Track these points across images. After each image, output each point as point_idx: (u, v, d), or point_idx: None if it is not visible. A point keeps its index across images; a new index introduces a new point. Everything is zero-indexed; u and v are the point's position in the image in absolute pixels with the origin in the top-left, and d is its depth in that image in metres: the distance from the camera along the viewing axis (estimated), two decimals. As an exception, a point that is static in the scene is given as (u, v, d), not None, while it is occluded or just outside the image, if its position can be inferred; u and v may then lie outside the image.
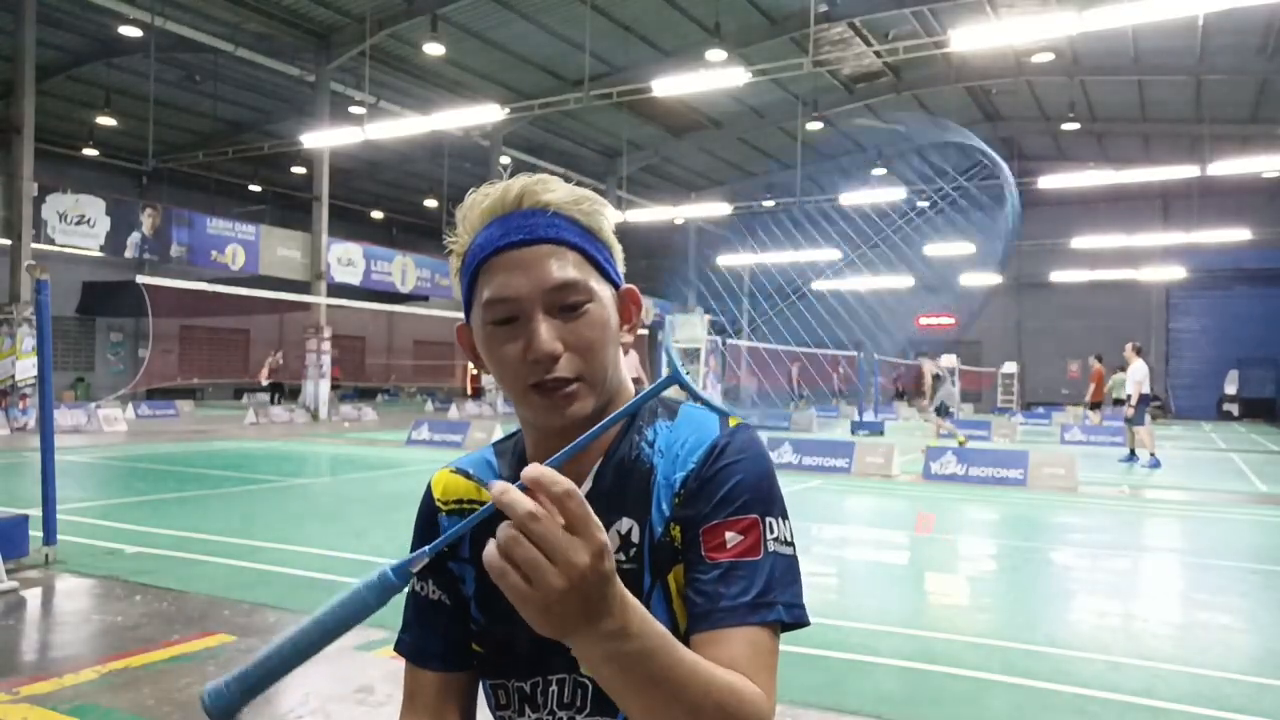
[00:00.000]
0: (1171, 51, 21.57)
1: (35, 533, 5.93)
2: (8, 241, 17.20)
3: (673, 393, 0.84)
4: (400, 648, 1.06)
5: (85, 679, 3.83)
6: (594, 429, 0.78)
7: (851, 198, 27.81)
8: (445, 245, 0.99)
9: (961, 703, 3.80)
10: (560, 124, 27.21)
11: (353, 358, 33.94)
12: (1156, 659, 4.40)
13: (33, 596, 5.25)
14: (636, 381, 1.05)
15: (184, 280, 17.88)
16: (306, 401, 21.76)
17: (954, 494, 10.50)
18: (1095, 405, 19.19)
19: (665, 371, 0.80)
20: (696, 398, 0.79)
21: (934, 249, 32.07)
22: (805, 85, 24.26)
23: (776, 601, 0.89)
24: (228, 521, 7.64)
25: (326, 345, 21.90)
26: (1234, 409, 31.93)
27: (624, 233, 1.03)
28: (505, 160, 26.79)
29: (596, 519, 0.68)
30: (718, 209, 30.75)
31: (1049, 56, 22.61)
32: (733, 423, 0.98)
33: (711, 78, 17.49)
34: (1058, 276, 33.53)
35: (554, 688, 0.98)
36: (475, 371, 26.67)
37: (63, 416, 16.13)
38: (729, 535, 0.91)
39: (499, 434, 13.39)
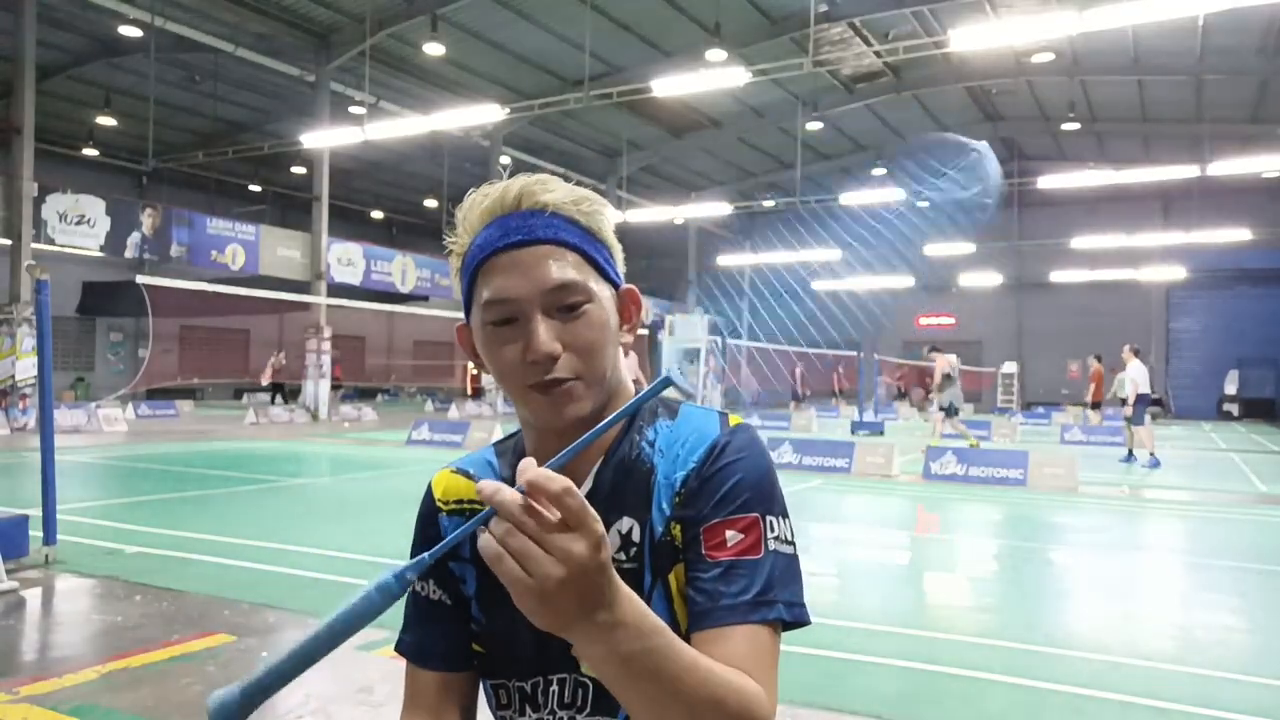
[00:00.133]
0: (1171, 51, 21.56)
1: (35, 533, 5.93)
2: (8, 241, 17.20)
3: (673, 392, 0.84)
4: (401, 648, 1.06)
5: (85, 679, 3.83)
6: (593, 431, 0.78)
7: (851, 198, 27.81)
8: (445, 245, 1.00)
9: (961, 703, 3.80)
10: (560, 124, 27.21)
11: (353, 358, 33.93)
12: (1156, 659, 4.40)
13: (33, 596, 5.25)
14: (635, 383, 1.05)
15: (184, 280, 17.87)
16: (306, 401, 21.76)
17: (954, 494, 10.50)
18: (1095, 405, 19.21)
19: (664, 370, 0.80)
20: (688, 396, 0.79)
21: (934, 249, 32.07)
22: (805, 85, 24.26)
23: (777, 600, 0.89)
24: (228, 521, 7.64)
25: (326, 345, 21.90)
26: (1234, 409, 31.93)
27: (624, 233, 1.04)
28: (505, 160, 26.79)
29: (593, 511, 0.69)
30: (718, 209, 30.75)
31: (1049, 56, 22.60)
32: (733, 422, 0.98)
33: (711, 78, 17.49)
34: (1058, 276, 33.52)
35: (554, 687, 0.98)
36: (475, 371, 26.67)
37: (63, 416, 16.13)
38: (730, 534, 0.91)
39: (499, 434, 13.34)
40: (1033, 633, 4.86)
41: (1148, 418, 14.15)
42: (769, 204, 32.87)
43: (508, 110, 20.52)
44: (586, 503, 0.69)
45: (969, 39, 15.19)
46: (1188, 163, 23.89)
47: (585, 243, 0.94)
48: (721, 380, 20.62)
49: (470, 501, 1.05)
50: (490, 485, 0.68)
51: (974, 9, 19.13)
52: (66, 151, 25.38)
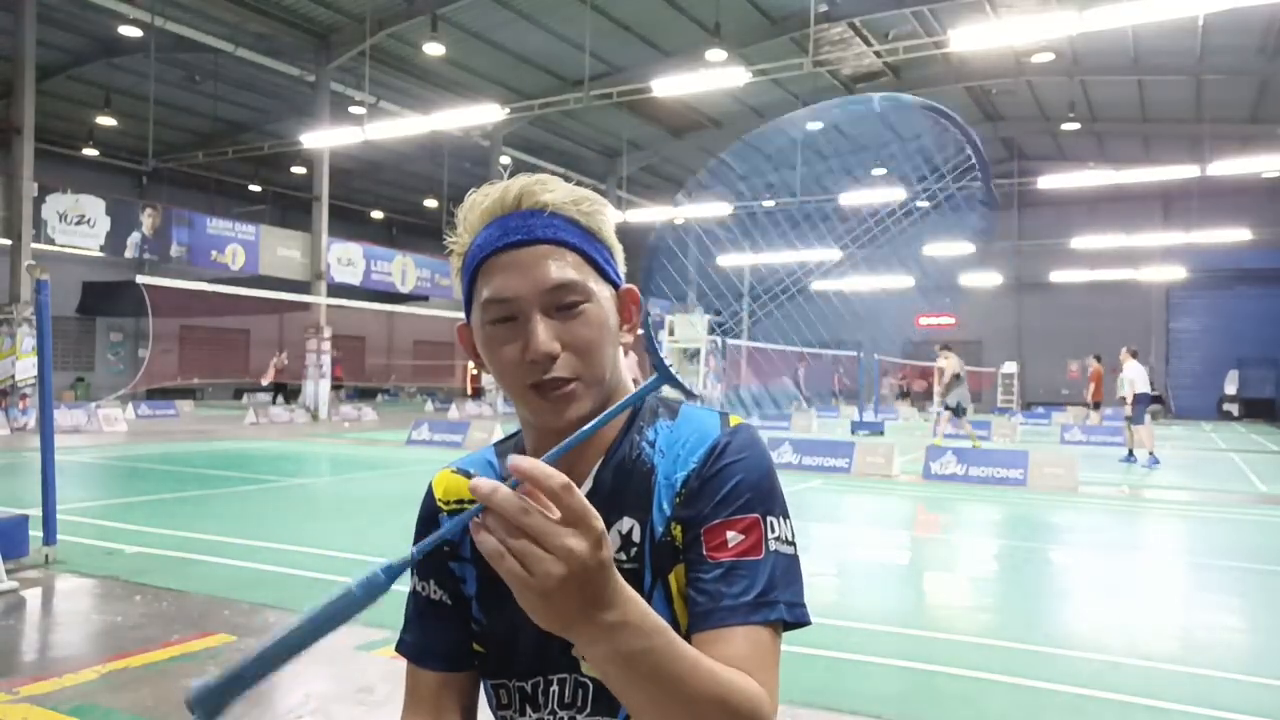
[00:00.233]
0: (1171, 51, 21.56)
1: (35, 533, 5.93)
2: (8, 241, 17.21)
3: (673, 392, 0.84)
4: (401, 648, 1.07)
5: (85, 679, 3.83)
6: (587, 427, 0.78)
7: (851, 198, 27.79)
8: (445, 245, 1.00)
9: (961, 703, 3.80)
10: (560, 124, 27.21)
11: (353, 358, 33.94)
12: (1156, 659, 4.40)
13: (33, 596, 5.25)
14: (635, 383, 1.05)
15: (184, 280, 17.88)
16: (306, 401, 21.76)
17: (954, 494, 10.50)
18: (1096, 405, 19.23)
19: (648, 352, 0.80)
20: (687, 393, 0.79)
21: (933, 249, 32.04)
22: (805, 85, 24.25)
23: (778, 600, 0.89)
24: (228, 521, 7.64)
25: (326, 345, 21.91)
26: (1234, 409, 31.94)
27: (624, 233, 1.03)
28: (505, 160, 26.80)
29: (593, 509, 0.69)
30: (718, 209, 30.74)
31: (1049, 56, 22.60)
32: (734, 422, 0.98)
33: (711, 78, 17.49)
34: (1058, 276, 33.54)
35: (555, 687, 0.98)
36: (475, 371, 26.72)
37: (63, 416, 16.13)
38: (730, 534, 0.91)
39: (499, 434, 13.33)
40: (1033, 633, 4.86)
41: (1148, 417, 14.17)
42: (769, 204, 32.86)
43: (508, 110, 20.53)
44: (585, 499, 0.68)
45: (969, 39, 15.19)
46: (1188, 163, 23.90)
47: (585, 243, 0.94)
48: (721, 380, 20.63)
49: (471, 502, 1.05)
50: (487, 483, 0.68)
51: (974, 9, 19.13)
52: (66, 151, 25.38)
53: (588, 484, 0.97)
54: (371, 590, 0.73)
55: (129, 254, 20.06)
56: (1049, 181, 25.71)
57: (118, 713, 3.48)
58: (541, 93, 22.99)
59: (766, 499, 0.93)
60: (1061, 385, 35.15)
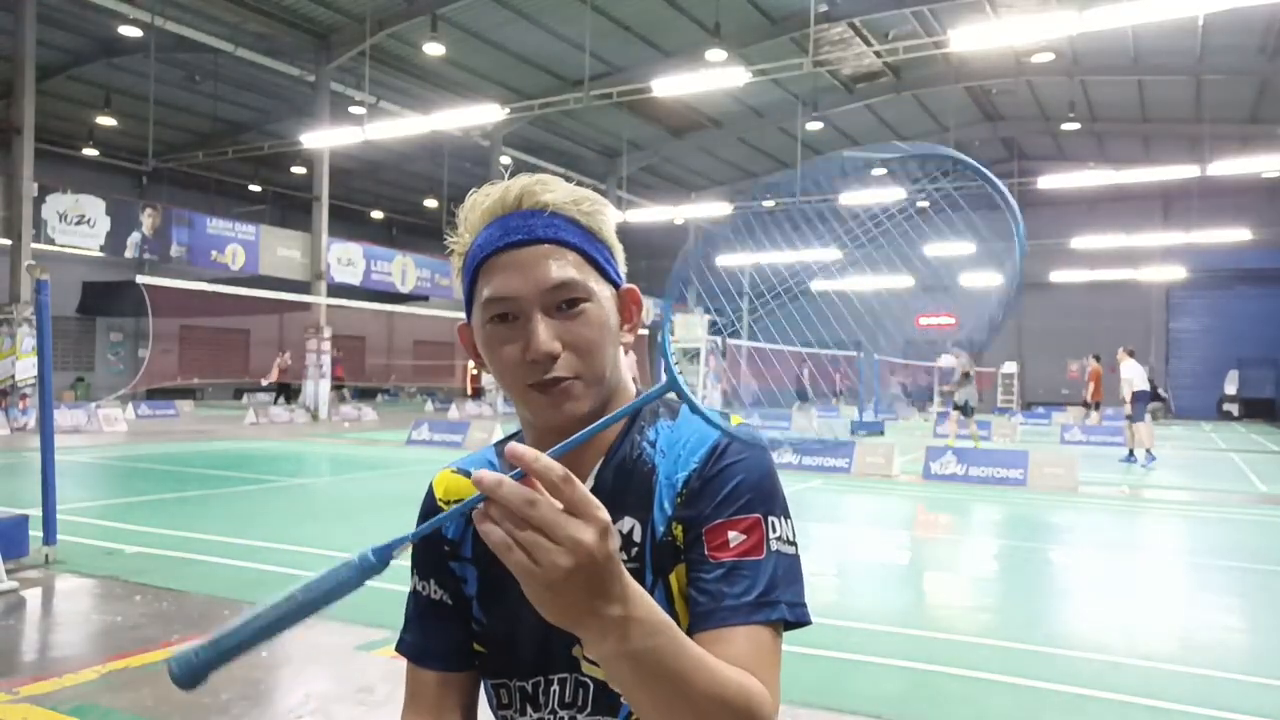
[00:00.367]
0: (1171, 51, 21.57)
1: (35, 533, 5.93)
2: (8, 241, 17.20)
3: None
4: (401, 648, 1.07)
5: (85, 679, 3.83)
6: (591, 427, 0.79)
7: (851, 198, 27.81)
8: (445, 245, 1.00)
9: (961, 703, 3.80)
10: (560, 124, 27.21)
11: (353, 358, 33.95)
12: (1156, 659, 4.40)
13: (33, 596, 5.25)
14: (634, 383, 1.05)
15: (184, 280, 17.88)
16: (306, 401, 21.76)
17: (954, 494, 10.50)
18: (1095, 405, 19.24)
19: (665, 374, 0.80)
20: (693, 407, 0.79)
21: (934, 249, 32.08)
22: (805, 85, 24.26)
23: (779, 600, 0.89)
24: (228, 521, 7.64)
25: (326, 345, 21.91)
26: (1234, 409, 31.94)
27: (624, 233, 1.04)
28: (505, 160, 26.80)
29: (596, 499, 0.69)
30: (718, 209, 30.75)
31: (1049, 56, 22.61)
32: (735, 422, 0.98)
33: (711, 78, 17.49)
34: (1058, 276, 33.54)
35: (555, 687, 0.98)
36: (475, 371, 26.69)
37: (63, 416, 16.13)
38: (732, 534, 0.91)
39: (499, 434, 13.32)
40: (1033, 633, 4.86)
41: (1148, 415, 14.18)
42: (769, 204, 32.87)
43: (508, 110, 20.53)
44: (587, 491, 0.68)
45: (969, 39, 15.19)
46: (1188, 163, 23.90)
47: (585, 242, 0.94)
48: (720, 380, 20.62)
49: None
50: (492, 476, 0.67)
51: (974, 9, 19.13)
52: (66, 151, 25.37)
53: (589, 483, 0.97)
54: (364, 573, 0.73)
55: (129, 254, 20.06)
56: (1049, 181, 25.71)
57: (118, 713, 3.48)
58: (541, 93, 22.99)
59: (768, 499, 0.94)
60: (1061, 385, 35.15)
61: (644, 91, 19.55)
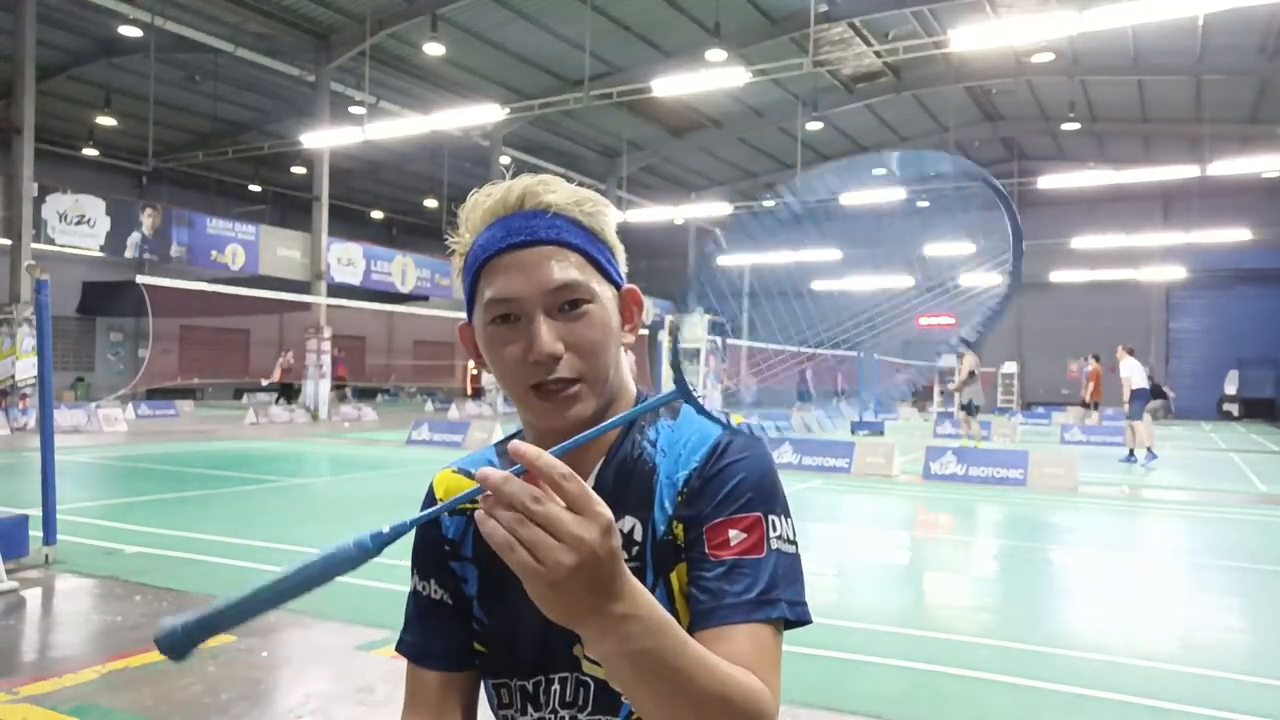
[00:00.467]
0: (1171, 51, 21.57)
1: (35, 533, 5.93)
2: (8, 241, 17.20)
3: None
4: (402, 648, 1.07)
5: (85, 679, 3.83)
6: (595, 429, 0.79)
7: (852, 198, 27.76)
8: (446, 245, 1.00)
9: (961, 703, 3.80)
10: (560, 124, 27.21)
11: (353, 358, 33.97)
12: (1156, 659, 4.40)
13: (33, 596, 5.25)
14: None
15: (184, 280, 17.89)
16: (306, 401, 21.76)
17: (954, 494, 10.50)
18: (1095, 405, 19.23)
19: (665, 371, 0.80)
20: (702, 413, 0.79)
21: (933, 249, 32.08)
22: (805, 85, 24.25)
23: (780, 599, 0.90)
24: (228, 521, 7.64)
25: (326, 345, 21.91)
26: (1234, 409, 31.94)
27: (624, 233, 1.04)
28: (505, 160, 26.80)
29: (597, 496, 0.69)
30: (718, 209, 30.76)
31: (1049, 56, 22.61)
32: (735, 421, 0.98)
33: (711, 78, 17.49)
34: (1058, 276, 33.55)
35: (556, 686, 0.98)
36: (475, 371, 26.69)
37: (63, 416, 16.13)
38: (732, 533, 0.91)
39: (499, 434, 13.32)
40: (1033, 633, 4.86)
41: (1147, 414, 14.18)
42: (769, 204, 32.84)
43: (508, 110, 20.53)
44: (588, 487, 0.69)
45: (969, 39, 15.20)
46: (1188, 163, 23.90)
47: (587, 243, 0.95)
48: (720, 380, 20.65)
49: (474, 502, 1.05)
50: (497, 473, 0.67)
51: (974, 9, 19.13)
52: (66, 151, 25.38)
53: (589, 482, 0.97)
54: (362, 554, 0.73)
55: (129, 254, 20.06)
56: (1049, 181, 25.71)
57: (118, 713, 3.48)
58: (541, 93, 22.99)
59: (768, 498, 0.94)
60: (1061, 385, 35.15)
61: (644, 91, 19.55)
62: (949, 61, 23.64)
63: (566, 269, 0.91)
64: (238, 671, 3.93)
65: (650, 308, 31.22)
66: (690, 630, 0.89)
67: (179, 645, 0.76)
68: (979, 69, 24.15)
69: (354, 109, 23.23)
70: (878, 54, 21.12)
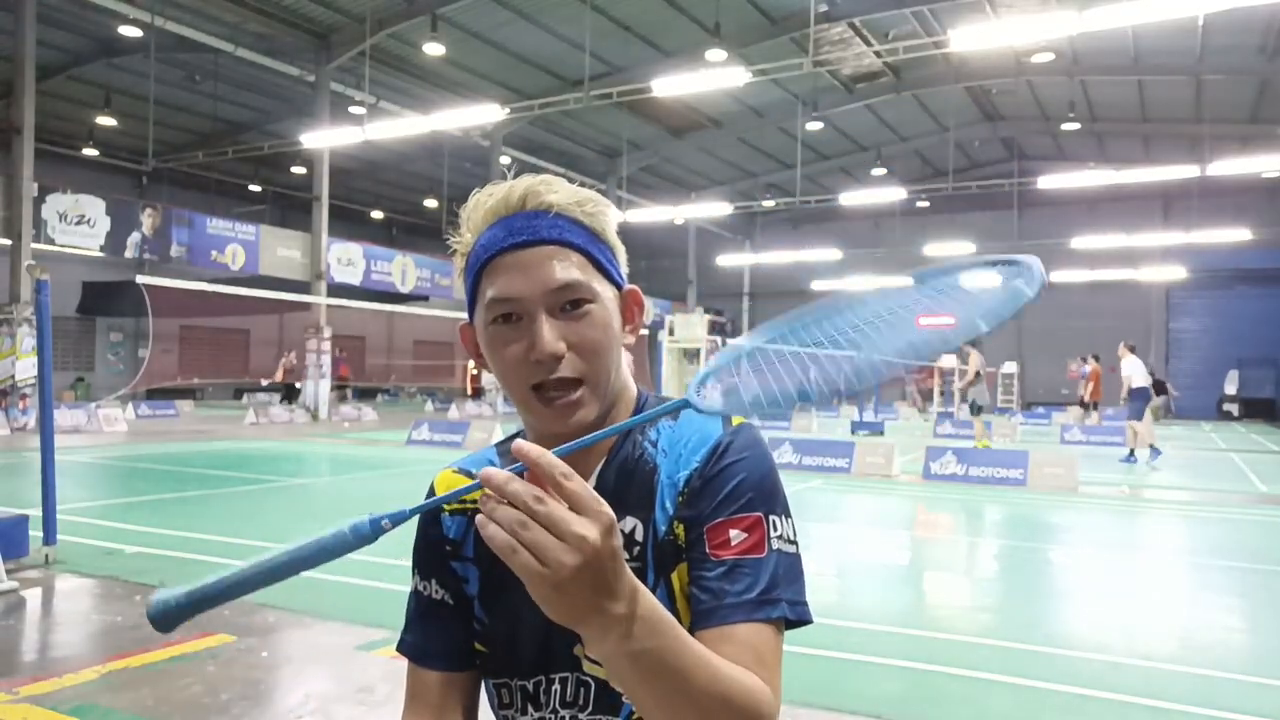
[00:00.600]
0: (1171, 51, 21.57)
1: (35, 533, 5.93)
2: (8, 241, 17.21)
3: (677, 392, 0.84)
4: (402, 648, 1.07)
5: (85, 679, 3.83)
6: (599, 432, 0.79)
7: (851, 198, 27.80)
8: (446, 245, 1.00)
9: (961, 703, 3.80)
10: (560, 124, 27.21)
11: (353, 358, 33.99)
12: (1156, 659, 4.40)
13: (33, 596, 5.25)
14: None
15: (184, 280, 17.88)
16: (306, 401, 21.76)
17: (954, 494, 10.50)
18: (1095, 405, 19.24)
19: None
20: (702, 412, 0.80)
21: (934, 249, 32.12)
22: (805, 85, 24.26)
23: (780, 598, 0.90)
24: (228, 521, 7.64)
25: (326, 345, 21.92)
26: (1234, 409, 31.93)
27: (624, 233, 1.04)
28: (506, 160, 26.80)
29: (598, 495, 0.69)
30: (718, 209, 30.76)
31: (1049, 56, 22.61)
32: (735, 422, 0.99)
33: (711, 78, 17.49)
34: (1058, 276, 33.54)
35: (556, 686, 0.98)
36: (475, 371, 26.65)
37: (63, 416, 16.13)
38: (733, 533, 0.92)
39: (499, 434, 13.31)
40: (1033, 633, 4.86)
41: (1148, 413, 14.17)
42: (769, 204, 32.88)
43: (508, 110, 20.53)
44: (588, 486, 0.69)
45: (969, 39, 15.19)
46: (1188, 163, 23.90)
47: (589, 243, 0.95)
48: (720, 380, 20.60)
49: (474, 501, 1.05)
50: (500, 473, 0.68)
51: (974, 9, 19.14)
52: (66, 151, 25.38)
53: (590, 483, 0.97)
54: (359, 539, 0.74)
55: (129, 254, 20.07)
56: (1049, 181, 25.70)
57: (118, 713, 3.48)
58: (541, 93, 22.99)
59: (769, 498, 0.94)
60: (1061, 385, 35.14)
61: (644, 91, 19.55)
62: (949, 61, 23.64)
63: (568, 269, 0.92)
64: (238, 671, 3.93)
65: (650, 308, 31.23)
66: (691, 630, 0.89)
67: (171, 618, 0.76)
68: (979, 69, 24.15)
69: (354, 109, 23.23)
70: (878, 54, 21.12)
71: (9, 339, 16.00)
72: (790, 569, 0.92)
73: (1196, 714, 3.62)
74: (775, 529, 0.93)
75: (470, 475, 1.07)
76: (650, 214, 29.18)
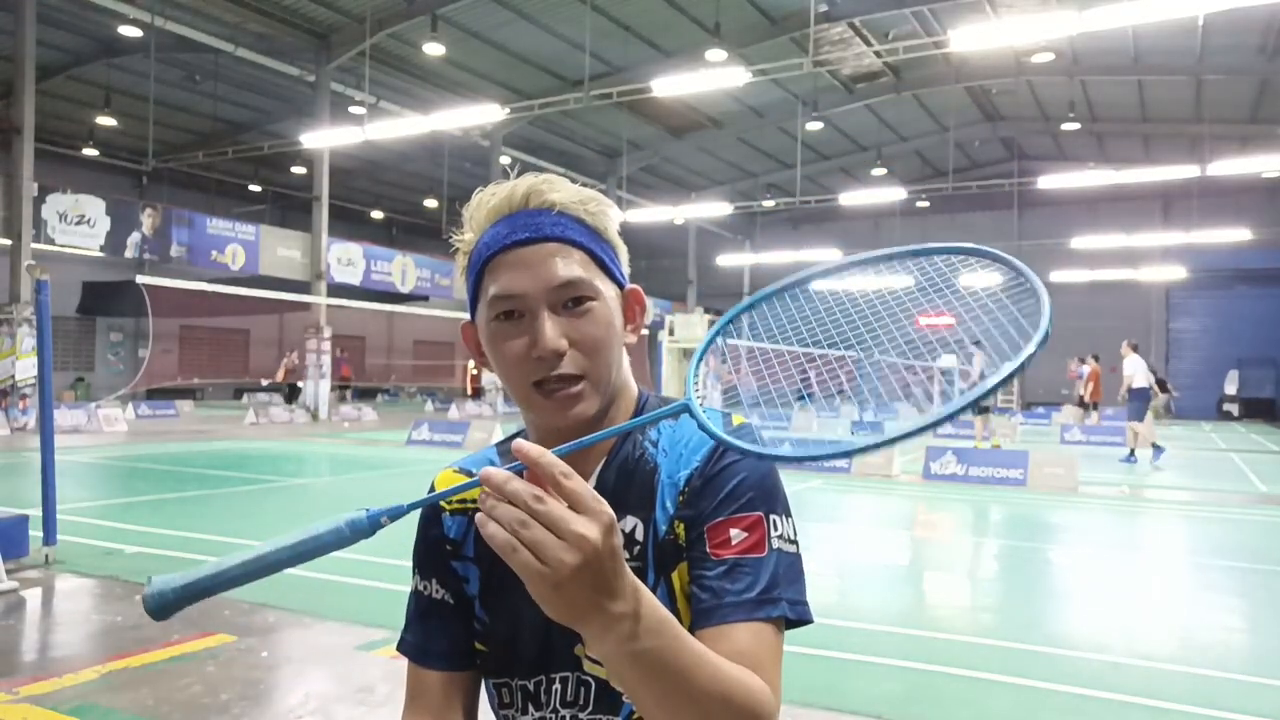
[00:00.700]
0: (1171, 51, 21.57)
1: (35, 533, 5.93)
2: (8, 241, 17.20)
3: (677, 392, 0.84)
4: (403, 648, 1.07)
5: (85, 679, 3.83)
6: (601, 432, 0.80)
7: (851, 198, 27.80)
8: (446, 245, 1.00)
9: (961, 703, 3.80)
10: (560, 124, 27.21)
11: (353, 358, 34.00)
12: (1156, 659, 4.40)
13: (33, 596, 5.25)
14: None
15: (184, 280, 17.89)
16: (306, 401, 21.76)
17: (954, 494, 10.50)
18: (1094, 405, 19.23)
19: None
20: (707, 431, 0.80)
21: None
22: (805, 85, 24.25)
23: (781, 598, 0.90)
24: (228, 521, 7.64)
25: (326, 345, 21.92)
26: (1234, 409, 31.92)
27: (624, 233, 1.04)
28: (506, 160, 26.80)
29: (597, 494, 0.69)
30: (718, 209, 30.76)
31: (1049, 56, 22.60)
32: (736, 422, 0.99)
33: (711, 78, 17.48)
34: (1058, 276, 33.55)
35: (557, 686, 0.98)
36: (475, 371, 26.61)
37: (63, 416, 16.13)
38: (734, 532, 0.92)
39: (499, 434, 13.31)
40: (1033, 633, 4.86)
41: (1149, 414, 14.16)
42: (769, 204, 32.87)
43: (508, 110, 20.52)
44: (587, 485, 0.69)
45: (969, 39, 15.18)
46: (1188, 163, 23.89)
47: (591, 242, 0.95)
48: (720, 380, 20.66)
49: (474, 501, 1.05)
50: (500, 473, 0.68)
51: (974, 9, 19.13)
52: (66, 151, 25.38)
53: (591, 483, 0.97)
54: (356, 533, 0.74)
55: (129, 254, 20.06)
56: (1049, 181, 25.70)
57: (118, 713, 3.48)
58: (541, 93, 22.99)
59: (769, 497, 0.94)
60: (1061, 385, 35.10)
61: (644, 91, 19.54)
62: (949, 61, 23.64)
63: (571, 266, 0.92)
64: (238, 671, 3.93)
65: (651, 308, 31.22)
66: (692, 629, 0.89)
67: (168, 606, 0.76)
68: (979, 69, 24.14)
69: (354, 109, 23.23)
70: (878, 54, 21.11)
71: (9, 339, 16.00)
72: (790, 568, 0.92)
73: (1196, 714, 3.62)
74: (776, 528, 0.93)
75: (470, 474, 1.07)
76: (650, 214, 29.17)
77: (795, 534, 0.95)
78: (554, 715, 0.98)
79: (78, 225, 18.60)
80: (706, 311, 27.66)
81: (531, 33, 20.92)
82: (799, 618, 0.91)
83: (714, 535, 0.92)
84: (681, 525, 0.94)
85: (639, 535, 0.96)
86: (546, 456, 0.68)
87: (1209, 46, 20.91)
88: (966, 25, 16.81)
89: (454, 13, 19.65)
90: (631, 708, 0.94)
